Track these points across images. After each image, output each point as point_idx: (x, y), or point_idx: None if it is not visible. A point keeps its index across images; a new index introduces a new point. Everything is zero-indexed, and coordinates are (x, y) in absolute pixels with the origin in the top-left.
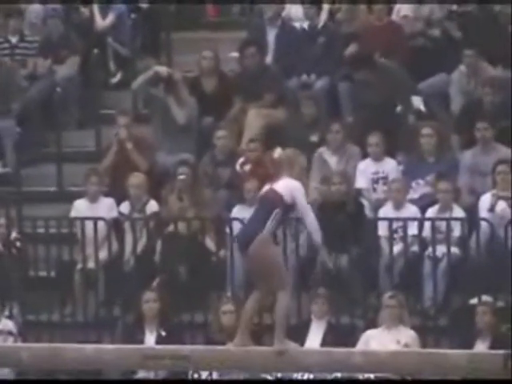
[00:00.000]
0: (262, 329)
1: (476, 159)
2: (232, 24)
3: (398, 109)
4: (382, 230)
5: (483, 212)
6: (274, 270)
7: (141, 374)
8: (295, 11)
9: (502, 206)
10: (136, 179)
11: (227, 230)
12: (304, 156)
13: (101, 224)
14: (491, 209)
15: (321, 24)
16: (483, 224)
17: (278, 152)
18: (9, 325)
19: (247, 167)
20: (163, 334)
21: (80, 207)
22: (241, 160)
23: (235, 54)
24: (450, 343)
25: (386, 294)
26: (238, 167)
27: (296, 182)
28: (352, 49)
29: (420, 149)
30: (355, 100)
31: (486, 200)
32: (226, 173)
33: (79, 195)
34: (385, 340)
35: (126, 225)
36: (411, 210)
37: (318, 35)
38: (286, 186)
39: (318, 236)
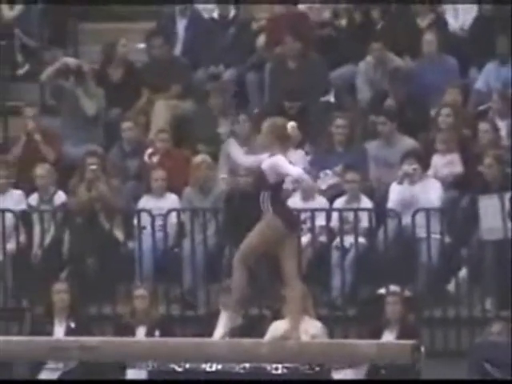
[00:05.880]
0: (169, 319)
1: (381, 151)
2: (140, 14)
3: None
4: None
5: (391, 202)
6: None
7: (51, 365)
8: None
9: (407, 196)
10: (41, 169)
11: (135, 221)
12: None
13: (9, 216)
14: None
15: (231, 14)
16: (391, 214)
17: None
18: None
19: (155, 158)
20: (72, 325)
21: None
22: (149, 150)
23: (142, 45)
24: (359, 333)
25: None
26: (146, 158)
27: (276, 157)
28: (262, 39)
29: (330, 139)
30: (269, 89)
31: (394, 190)
32: (134, 164)
33: None
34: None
35: (35, 216)
36: (319, 201)
37: (228, 25)
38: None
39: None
